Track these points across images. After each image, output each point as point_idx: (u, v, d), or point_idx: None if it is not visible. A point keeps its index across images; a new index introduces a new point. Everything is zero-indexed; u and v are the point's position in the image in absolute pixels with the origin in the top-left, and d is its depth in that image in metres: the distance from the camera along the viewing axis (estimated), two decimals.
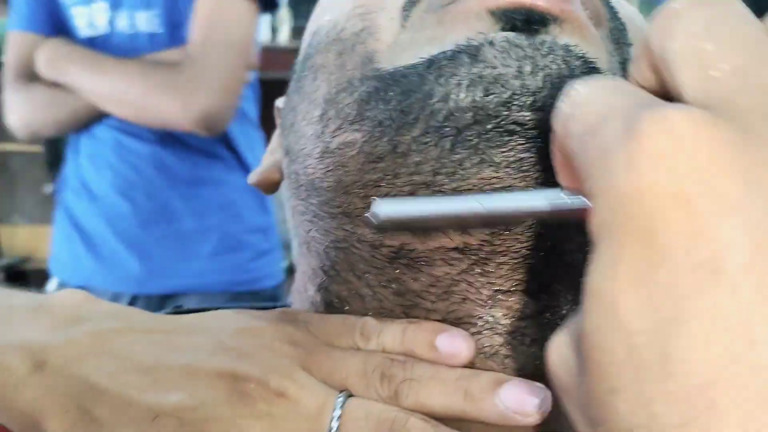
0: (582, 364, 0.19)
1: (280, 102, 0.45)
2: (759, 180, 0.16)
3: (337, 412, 0.28)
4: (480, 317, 0.30)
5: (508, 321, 0.30)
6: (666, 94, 0.21)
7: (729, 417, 0.15)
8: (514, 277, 0.30)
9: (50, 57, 1.19)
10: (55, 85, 1.20)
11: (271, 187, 0.42)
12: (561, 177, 0.24)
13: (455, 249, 0.29)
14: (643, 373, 0.16)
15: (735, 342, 0.16)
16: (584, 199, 0.24)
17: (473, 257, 0.29)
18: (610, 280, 0.17)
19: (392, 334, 0.31)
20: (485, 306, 0.30)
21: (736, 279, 0.16)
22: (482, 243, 0.29)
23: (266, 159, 0.43)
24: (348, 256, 0.33)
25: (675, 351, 0.16)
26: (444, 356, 0.30)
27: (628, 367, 0.17)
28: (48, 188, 2.09)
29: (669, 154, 0.17)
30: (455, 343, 0.29)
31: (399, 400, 0.29)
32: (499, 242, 0.29)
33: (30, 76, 1.23)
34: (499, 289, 0.30)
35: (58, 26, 1.25)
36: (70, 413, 0.29)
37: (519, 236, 0.29)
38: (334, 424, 0.28)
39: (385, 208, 0.28)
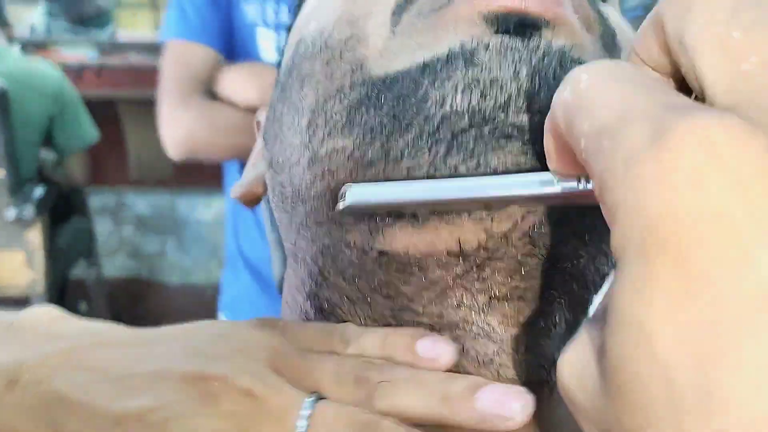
0: (607, 389, 0.17)
1: (260, 116, 0.45)
2: None
3: (306, 412, 0.28)
4: (474, 324, 0.30)
5: (503, 328, 0.30)
6: (676, 75, 0.19)
7: None
8: (511, 284, 0.29)
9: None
10: (240, 108, 1.12)
11: (253, 201, 0.41)
12: (552, 161, 0.23)
13: (449, 253, 0.29)
14: (683, 410, 0.15)
15: None
16: (571, 184, 0.23)
17: (469, 261, 0.29)
18: (643, 307, 0.16)
19: (372, 339, 0.30)
20: (480, 312, 0.29)
21: None
22: (477, 248, 0.28)
23: (248, 173, 0.42)
24: (336, 261, 0.32)
25: (720, 389, 0.15)
26: (424, 360, 0.29)
27: (665, 404, 0.15)
28: (10, 213, 2.04)
29: (707, 169, 0.15)
30: (436, 347, 0.29)
31: (373, 403, 0.28)
32: (494, 246, 0.28)
33: (199, 91, 1.14)
34: (494, 296, 0.29)
35: (229, 42, 1.18)
36: (41, 429, 0.29)
37: (515, 241, 0.28)
38: (301, 424, 0.27)
39: (356, 193, 0.27)
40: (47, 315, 0.34)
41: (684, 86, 0.19)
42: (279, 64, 0.42)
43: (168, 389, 0.28)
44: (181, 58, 1.17)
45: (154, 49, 3.13)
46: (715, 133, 0.16)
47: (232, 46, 1.19)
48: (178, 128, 1.15)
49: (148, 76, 2.79)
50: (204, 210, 3.03)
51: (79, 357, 0.31)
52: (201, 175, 3.04)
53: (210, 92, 1.17)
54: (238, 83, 1.13)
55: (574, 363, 0.19)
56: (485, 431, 0.27)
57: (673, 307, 0.15)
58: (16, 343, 0.32)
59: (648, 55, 0.20)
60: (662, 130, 0.16)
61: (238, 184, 0.41)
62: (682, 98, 0.18)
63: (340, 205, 0.28)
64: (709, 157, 0.15)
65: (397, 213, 0.29)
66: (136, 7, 3.22)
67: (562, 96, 0.21)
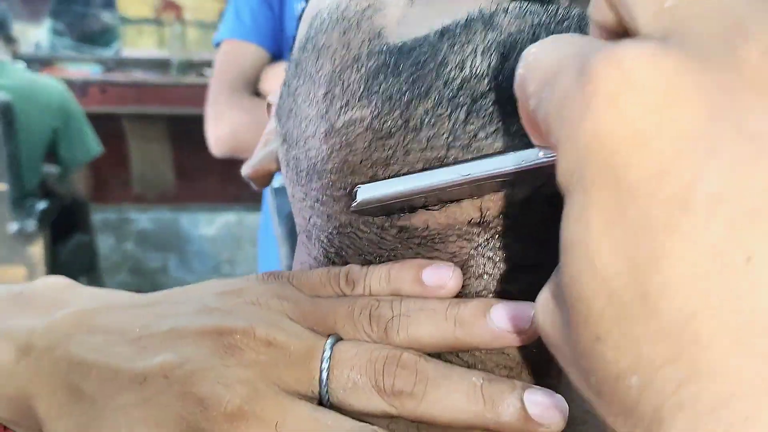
0: (566, 317, 0.18)
1: (270, 99, 0.44)
2: (720, 105, 0.16)
3: (327, 353, 0.28)
4: (498, 294, 0.29)
5: (525, 297, 0.29)
6: (627, 32, 0.20)
7: (715, 347, 0.15)
8: (533, 251, 0.29)
9: None
10: None
11: (265, 178, 0.41)
12: (532, 137, 0.24)
13: (471, 222, 0.28)
14: (625, 315, 0.16)
15: (711, 273, 0.15)
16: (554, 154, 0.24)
17: (491, 230, 0.28)
18: (583, 229, 0.17)
19: (377, 276, 0.30)
20: (503, 282, 0.29)
21: (707, 209, 0.15)
22: (498, 215, 0.28)
23: (258, 152, 0.42)
24: (354, 240, 0.32)
25: (653, 289, 0.16)
26: (431, 289, 0.29)
27: (610, 313, 0.16)
28: (12, 227, 2.04)
29: (623, 92, 0.16)
30: (441, 274, 0.29)
31: (390, 338, 0.29)
32: (515, 213, 0.28)
33: (247, 89, 1.17)
34: (517, 264, 0.29)
35: (280, 43, 1.21)
36: (59, 393, 0.29)
37: (536, 208, 0.28)
38: (324, 366, 0.28)
39: (366, 192, 0.28)
40: (56, 283, 0.35)
41: None
42: (291, 47, 0.41)
43: (188, 345, 0.29)
44: (232, 57, 1.20)
45: (158, 65, 3.16)
46: (628, 58, 0.16)
47: (282, 46, 1.22)
48: (222, 126, 1.16)
49: (153, 93, 2.83)
50: (206, 226, 3.03)
51: (90, 320, 0.31)
52: (204, 191, 3.04)
53: (258, 91, 1.20)
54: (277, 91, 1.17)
55: (545, 303, 0.20)
56: (499, 347, 0.28)
57: (607, 224, 0.16)
58: (26, 311, 0.33)
59: (599, 13, 0.21)
60: (585, 65, 0.17)
61: (248, 164, 0.41)
62: (613, 42, 0.19)
63: (353, 205, 0.29)
64: (624, 80, 0.16)
65: (410, 207, 0.29)
66: (141, 25, 3.24)
67: (517, 72, 0.21)
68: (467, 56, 0.28)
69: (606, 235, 0.16)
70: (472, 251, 0.29)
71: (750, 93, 0.16)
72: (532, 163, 0.25)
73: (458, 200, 0.28)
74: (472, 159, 0.27)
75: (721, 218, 0.15)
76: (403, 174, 0.29)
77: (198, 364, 0.28)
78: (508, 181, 0.27)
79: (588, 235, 0.17)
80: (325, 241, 0.33)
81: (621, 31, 0.20)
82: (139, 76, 3.04)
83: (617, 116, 0.16)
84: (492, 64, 0.27)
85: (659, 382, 0.16)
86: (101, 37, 3.29)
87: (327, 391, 0.28)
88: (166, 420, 0.27)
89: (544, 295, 0.21)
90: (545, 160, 0.25)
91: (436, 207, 0.29)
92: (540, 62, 0.20)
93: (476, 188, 0.28)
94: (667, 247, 0.15)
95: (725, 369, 0.15)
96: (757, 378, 0.15)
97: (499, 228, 0.28)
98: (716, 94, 0.16)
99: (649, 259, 0.16)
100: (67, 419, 0.29)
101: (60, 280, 0.35)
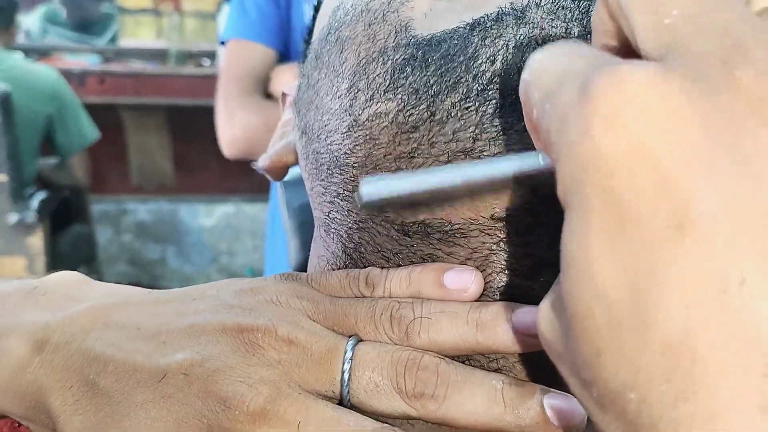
0: (567, 328, 0.19)
1: (286, 90, 0.44)
2: (716, 126, 0.16)
3: (349, 354, 0.28)
4: (518, 289, 0.29)
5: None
6: (626, 43, 0.20)
7: (710, 365, 0.15)
8: (556, 248, 0.29)
9: None
10: None
11: (282, 170, 0.41)
12: (534, 141, 0.24)
13: (493, 217, 0.28)
14: (624, 332, 0.17)
15: (709, 292, 0.15)
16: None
17: (514, 225, 0.28)
18: (583, 246, 0.17)
19: (398, 279, 0.30)
20: (524, 278, 0.29)
21: (704, 229, 0.16)
22: (523, 211, 0.28)
23: (274, 144, 0.41)
24: (374, 236, 0.31)
25: (652, 308, 0.16)
26: (452, 292, 0.29)
27: (610, 329, 0.17)
28: (12, 218, 2.03)
29: (623, 111, 0.17)
30: (462, 278, 0.29)
31: (410, 340, 0.29)
32: (540, 210, 0.28)
33: (256, 90, 1.16)
34: (539, 260, 0.29)
35: (286, 41, 1.21)
36: (74, 388, 0.29)
37: (560, 204, 0.28)
38: (346, 367, 0.28)
39: (370, 188, 0.28)
40: (70, 278, 0.34)
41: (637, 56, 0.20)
42: (307, 40, 0.41)
43: (208, 342, 0.29)
44: (240, 56, 1.19)
45: (156, 56, 3.14)
46: (630, 78, 0.17)
47: (289, 45, 1.21)
48: (235, 127, 1.15)
49: (151, 83, 2.82)
50: (205, 217, 3.03)
51: (106, 316, 0.31)
52: (202, 182, 3.04)
53: (267, 92, 1.19)
54: (294, 83, 1.18)
55: (546, 313, 0.21)
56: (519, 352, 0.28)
57: (607, 241, 0.17)
58: (40, 305, 0.32)
59: (601, 23, 0.21)
60: (586, 84, 0.18)
61: (265, 156, 0.41)
62: (615, 59, 0.19)
63: (358, 203, 0.29)
64: (625, 100, 0.17)
65: (411, 206, 0.29)
66: (139, 15, 3.23)
67: (522, 77, 0.22)
68: (499, 50, 0.28)
69: (606, 253, 0.17)
70: (493, 246, 0.29)
71: (746, 113, 0.16)
72: (532, 168, 0.25)
73: (456, 201, 0.28)
74: (473, 161, 0.28)
75: (717, 238, 0.16)
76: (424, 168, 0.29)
77: (219, 362, 0.28)
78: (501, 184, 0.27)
79: (588, 252, 0.17)
80: (344, 235, 0.33)
81: (622, 41, 0.21)
82: (137, 66, 3.03)
83: (616, 134, 0.17)
84: (524, 58, 0.27)
85: (656, 397, 0.16)
86: (99, 26, 3.28)
87: (348, 392, 0.28)
88: (186, 418, 0.27)
89: (546, 305, 0.21)
90: (545, 165, 0.25)
91: (437, 206, 0.29)
92: (545, 71, 0.20)
93: (475, 190, 0.28)
94: (665, 267, 0.16)
95: (720, 387, 0.15)
96: (750, 395, 0.15)
97: (522, 223, 0.28)
98: (714, 115, 0.16)
99: (647, 278, 0.16)
100: (83, 415, 0.28)
101: (73, 275, 0.35)
